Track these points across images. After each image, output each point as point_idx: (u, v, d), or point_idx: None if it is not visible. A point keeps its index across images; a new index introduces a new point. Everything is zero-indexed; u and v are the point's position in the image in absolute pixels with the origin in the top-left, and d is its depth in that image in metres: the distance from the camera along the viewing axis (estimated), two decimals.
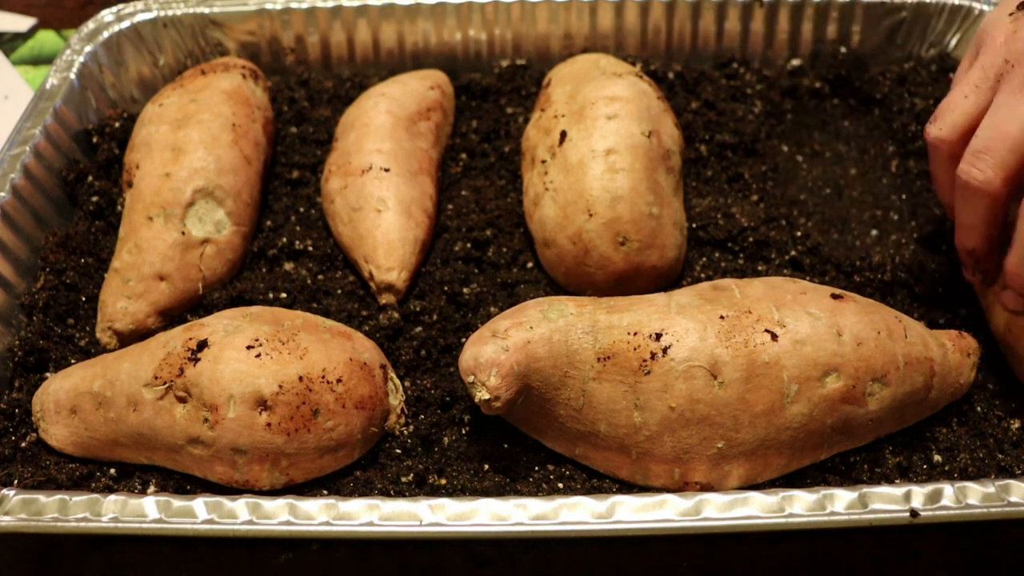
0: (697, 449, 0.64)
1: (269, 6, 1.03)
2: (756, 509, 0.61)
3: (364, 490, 0.66)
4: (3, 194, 0.81)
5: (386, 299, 0.80)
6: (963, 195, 0.69)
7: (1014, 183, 0.67)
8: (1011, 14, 0.71)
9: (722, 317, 0.65)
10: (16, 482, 0.67)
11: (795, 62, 1.04)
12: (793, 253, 0.84)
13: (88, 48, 0.98)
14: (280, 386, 0.64)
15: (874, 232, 0.88)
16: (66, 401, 0.70)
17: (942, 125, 0.72)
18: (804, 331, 0.65)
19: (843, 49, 1.04)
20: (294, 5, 1.03)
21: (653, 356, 0.64)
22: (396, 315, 0.78)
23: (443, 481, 0.67)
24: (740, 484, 0.65)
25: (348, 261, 0.85)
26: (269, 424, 0.64)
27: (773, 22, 1.04)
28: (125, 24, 1.01)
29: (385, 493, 0.66)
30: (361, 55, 1.06)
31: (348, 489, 0.67)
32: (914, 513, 0.61)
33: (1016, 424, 0.71)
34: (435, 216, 0.87)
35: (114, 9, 1.02)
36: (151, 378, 0.66)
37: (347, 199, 0.84)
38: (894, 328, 0.67)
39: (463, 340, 0.76)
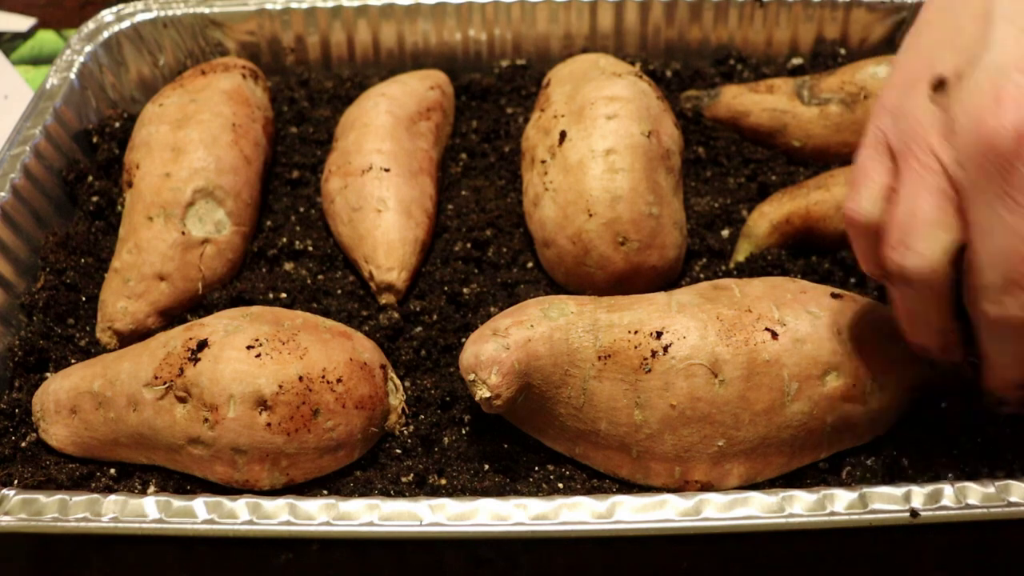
0: (698, 447, 0.64)
1: (269, 6, 1.03)
2: (756, 509, 0.61)
3: (364, 490, 0.66)
4: (3, 194, 0.81)
5: (386, 299, 0.80)
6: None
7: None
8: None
9: (722, 316, 0.65)
10: (16, 482, 0.67)
11: (795, 61, 1.04)
12: None
13: (88, 48, 0.98)
14: (280, 386, 0.64)
15: None
16: (66, 401, 0.70)
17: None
18: (804, 330, 0.65)
19: (843, 50, 1.04)
20: (294, 5, 1.03)
21: (654, 354, 0.64)
22: (396, 315, 0.78)
23: (443, 481, 0.67)
24: (740, 483, 0.65)
25: (348, 261, 0.85)
26: (269, 424, 0.64)
27: (773, 22, 1.04)
28: (125, 24, 1.01)
29: (385, 493, 0.66)
30: (361, 55, 1.06)
31: (348, 489, 0.67)
32: (914, 513, 0.61)
33: (1009, 429, 0.71)
34: (435, 216, 0.87)
35: (114, 9, 1.02)
36: (151, 378, 0.66)
37: (347, 199, 0.84)
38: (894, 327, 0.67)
39: (463, 340, 0.76)
